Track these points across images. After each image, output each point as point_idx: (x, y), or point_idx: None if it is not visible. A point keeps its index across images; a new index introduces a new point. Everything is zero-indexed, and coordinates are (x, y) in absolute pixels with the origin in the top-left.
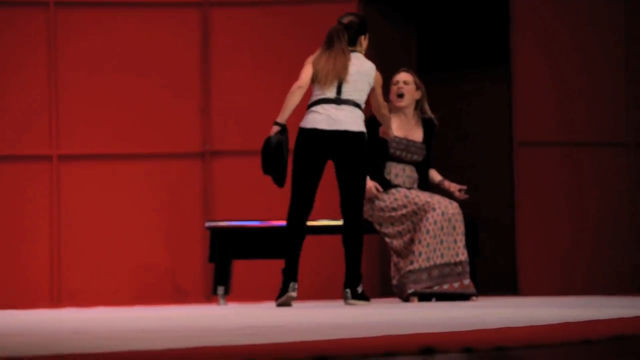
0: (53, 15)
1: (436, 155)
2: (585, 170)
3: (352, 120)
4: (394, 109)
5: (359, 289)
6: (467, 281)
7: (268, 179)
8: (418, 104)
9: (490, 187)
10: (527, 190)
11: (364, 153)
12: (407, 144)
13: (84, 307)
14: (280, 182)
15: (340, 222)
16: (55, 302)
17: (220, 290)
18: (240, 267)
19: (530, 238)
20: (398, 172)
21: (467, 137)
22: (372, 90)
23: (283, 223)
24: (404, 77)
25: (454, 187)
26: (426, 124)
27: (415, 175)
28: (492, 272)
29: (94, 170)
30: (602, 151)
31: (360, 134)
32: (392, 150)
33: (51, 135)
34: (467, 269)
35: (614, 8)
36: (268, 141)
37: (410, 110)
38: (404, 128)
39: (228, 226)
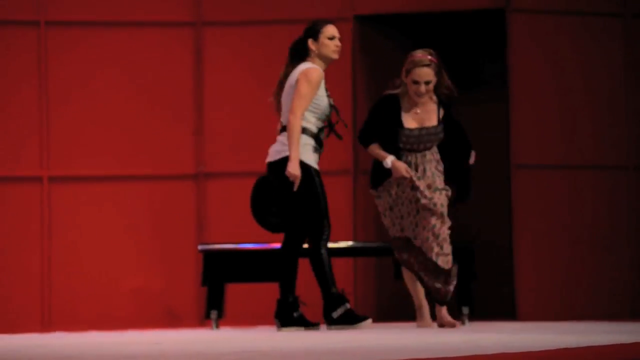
0: (44, 34)
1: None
2: (583, 193)
3: (274, 150)
4: (409, 96)
5: (335, 314)
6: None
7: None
8: (435, 87)
9: (487, 210)
10: (525, 213)
11: (283, 180)
12: (419, 135)
13: (75, 332)
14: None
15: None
16: (46, 326)
17: (214, 314)
18: (234, 291)
19: (529, 262)
20: (412, 160)
21: None
22: None
23: (278, 246)
24: (426, 77)
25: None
26: (447, 103)
27: (436, 157)
28: (489, 297)
29: (85, 192)
30: (601, 174)
31: (277, 162)
32: (401, 145)
33: (42, 156)
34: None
35: (613, 29)
36: None
37: (428, 99)
38: (419, 117)
39: (221, 249)
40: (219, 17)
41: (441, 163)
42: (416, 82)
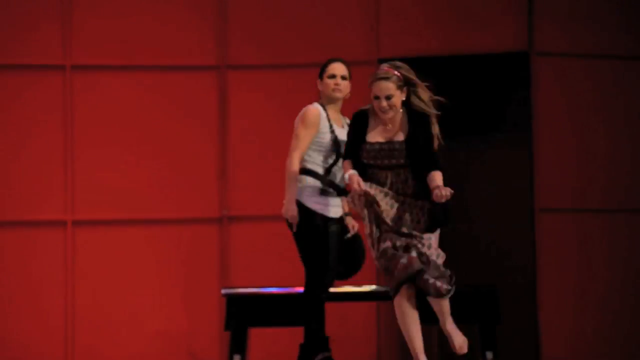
0: (69, 79)
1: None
2: (609, 236)
3: None
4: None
5: (318, 358)
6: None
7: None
8: (405, 102)
9: (510, 253)
10: (549, 256)
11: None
12: (379, 149)
13: None
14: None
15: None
16: None
17: (237, 358)
18: (257, 335)
19: (553, 306)
20: (381, 179)
21: (485, 201)
22: None
23: (301, 290)
24: (385, 91)
25: (435, 192)
26: (416, 118)
27: (402, 178)
28: (514, 340)
29: (109, 236)
30: (627, 217)
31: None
32: (364, 160)
33: (66, 200)
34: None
35: (635, 75)
36: None
37: (396, 115)
38: (387, 133)
39: (245, 293)
40: (243, 61)
41: (423, 183)
42: (377, 97)
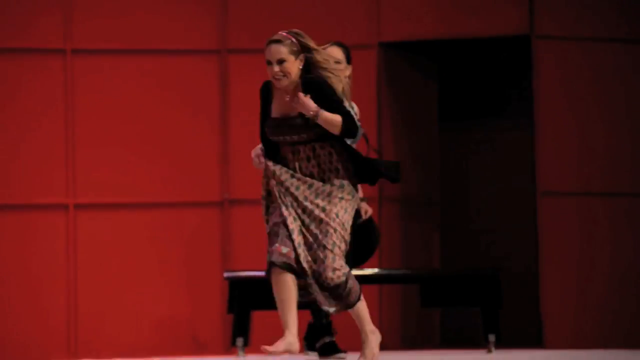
0: (70, 62)
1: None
2: (610, 220)
3: None
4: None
5: (317, 343)
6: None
7: None
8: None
9: (513, 237)
10: (552, 240)
11: None
12: (276, 125)
13: (101, 359)
14: None
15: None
16: (72, 353)
17: (240, 341)
18: (260, 318)
19: (556, 289)
20: (288, 155)
21: (487, 184)
22: None
23: None
24: (277, 55)
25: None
26: (309, 86)
27: (304, 156)
28: (516, 324)
29: (110, 219)
30: (629, 201)
31: None
32: (268, 136)
33: (67, 183)
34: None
35: (636, 58)
36: None
37: (293, 85)
38: (282, 105)
39: (247, 276)
40: (243, 45)
41: (337, 159)
42: (269, 63)
